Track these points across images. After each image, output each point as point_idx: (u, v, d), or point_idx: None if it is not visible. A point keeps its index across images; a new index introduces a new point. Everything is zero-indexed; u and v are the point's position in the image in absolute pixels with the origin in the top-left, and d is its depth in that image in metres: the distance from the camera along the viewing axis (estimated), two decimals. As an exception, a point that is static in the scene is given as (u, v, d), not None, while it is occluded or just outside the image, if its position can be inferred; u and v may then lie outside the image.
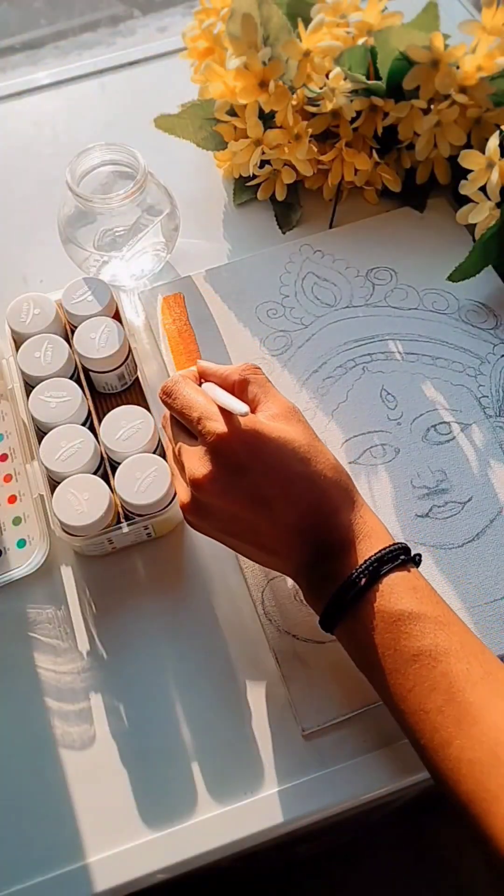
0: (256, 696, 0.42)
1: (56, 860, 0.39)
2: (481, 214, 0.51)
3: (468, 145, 0.55)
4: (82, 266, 0.53)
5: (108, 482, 0.44)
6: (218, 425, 0.37)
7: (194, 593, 0.45)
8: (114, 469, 0.44)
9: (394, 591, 0.36)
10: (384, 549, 0.37)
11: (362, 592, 0.36)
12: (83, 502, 0.41)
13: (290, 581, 0.45)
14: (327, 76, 0.53)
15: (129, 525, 0.43)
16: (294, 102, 0.54)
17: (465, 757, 0.32)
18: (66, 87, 0.68)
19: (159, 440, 0.45)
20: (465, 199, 0.52)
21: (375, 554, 0.36)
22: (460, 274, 0.53)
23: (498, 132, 0.50)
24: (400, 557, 0.37)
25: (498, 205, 0.50)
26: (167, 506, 0.43)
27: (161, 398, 0.41)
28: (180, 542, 0.46)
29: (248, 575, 0.45)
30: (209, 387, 0.40)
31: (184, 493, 0.39)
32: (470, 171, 0.50)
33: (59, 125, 0.65)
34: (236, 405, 0.37)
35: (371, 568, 0.36)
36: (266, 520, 0.37)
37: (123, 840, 0.39)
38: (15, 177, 0.63)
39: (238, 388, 0.41)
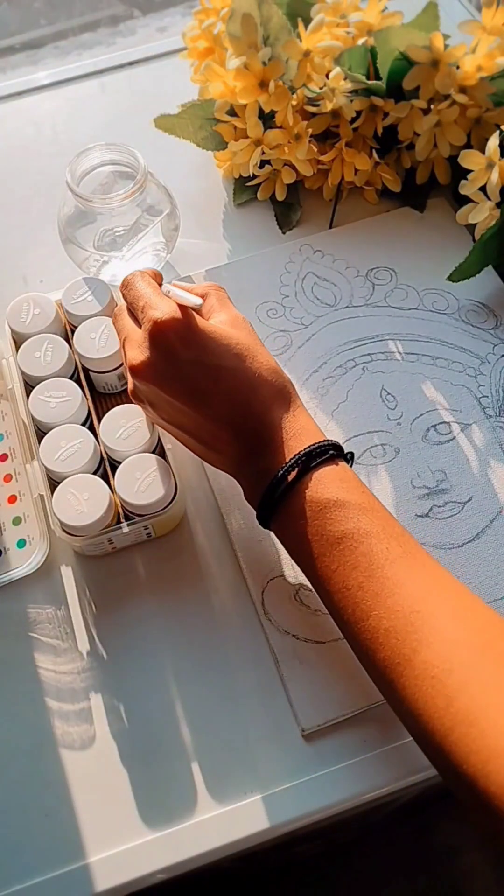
0: (256, 696, 0.42)
1: (56, 860, 0.39)
2: (481, 214, 0.51)
3: (468, 145, 0.55)
4: (82, 266, 0.53)
5: (108, 482, 0.44)
6: (157, 312, 0.38)
7: (194, 593, 0.45)
8: (114, 469, 0.44)
9: (320, 482, 0.37)
10: (313, 444, 0.38)
11: (291, 486, 0.38)
12: (83, 502, 0.41)
13: (290, 581, 0.45)
14: (327, 76, 0.53)
15: (129, 525, 0.43)
16: (294, 102, 0.54)
17: (381, 626, 0.34)
18: (66, 87, 0.68)
19: (159, 440, 0.45)
20: (465, 199, 0.52)
21: (305, 449, 0.38)
22: (460, 274, 0.53)
23: (498, 132, 0.50)
24: (329, 452, 0.38)
25: (498, 205, 0.50)
26: (167, 506, 0.43)
27: (120, 289, 0.42)
28: (180, 542, 0.46)
29: (248, 575, 0.45)
30: (171, 286, 0.41)
31: (129, 382, 0.41)
32: (470, 171, 0.50)
33: (59, 125, 0.65)
34: (190, 297, 0.38)
35: (300, 462, 0.37)
36: (199, 410, 0.39)
37: (123, 840, 0.39)
38: (15, 177, 0.63)
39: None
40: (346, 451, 0.40)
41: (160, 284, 0.42)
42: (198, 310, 0.41)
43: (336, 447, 0.39)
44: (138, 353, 0.39)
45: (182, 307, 0.38)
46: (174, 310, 0.38)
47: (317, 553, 0.37)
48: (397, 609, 0.34)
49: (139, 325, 0.41)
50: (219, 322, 0.41)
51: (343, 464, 0.39)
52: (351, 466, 0.39)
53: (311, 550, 0.37)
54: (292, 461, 0.37)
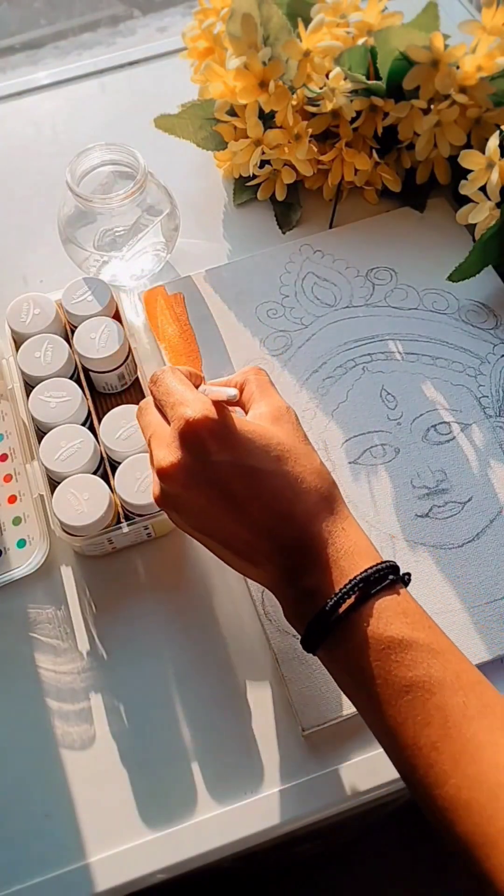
0: (256, 696, 0.42)
1: (56, 860, 0.39)
2: (481, 214, 0.51)
3: (468, 145, 0.55)
4: (82, 266, 0.53)
5: (108, 482, 0.44)
6: (189, 411, 0.34)
7: (194, 593, 0.45)
8: (114, 469, 0.44)
9: (382, 616, 0.33)
10: (371, 567, 0.34)
11: (347, 615, 0.33)
12: (83, 502, 0.41)
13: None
14: (327, 76, 0.53)
15: (129, 525, 0.43)
16: (294, 102, 0.54)
17: (462, 797, 0.30)
18: (66, 87, 0.68)
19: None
20: (465, 199, 0.52)
21: (361, 573, 0.33)
22: (460, 274, 0.53)
23: (498, 132, 0.50)
24: (388, 577, 0.34)
25: (498, 205, 0.50)
26: (167, 506, 0.43)
27: (149, 385, 0.39)
28: (180, 542, 0.46)
29: (248, 575, 0.45)
30: (206, 386, 0.39)
31: (155, 485, 0.37)
32: (470, 171, 0.50)
33: (59, 125, 0.65)
34: (225, 391, 0.35)
35: (357, 588, 0.33)
36: (236, 519, 0.35)
37: (123, 840, 0.39)
38: (15, 177, 0.63)
39: (238, 388, 0.40)
40: (402, 571, 0.35)
41: (197, 385, 0.39)
42: (235, 402, 0.38)
43: (394, 569, 0.34)
44: (167, 453, 0.35)
45: (217, 404, 0.35)
46: (208, 407, 0.34)
47: (378, 699, 0.32)
48: (480, 779, 0.30)
49: (168, 422, 0.37)
50: (258, 415, 0.37)
51: (405, 592, 0.34)
52: (407, 587, 0.35)
53: (372, 695, 0.32)
54: (348, 586, 0.33)
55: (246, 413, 0.39)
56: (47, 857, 0.39)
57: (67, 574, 0.46)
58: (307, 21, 0.54)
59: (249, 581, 0.45)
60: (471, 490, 0.47)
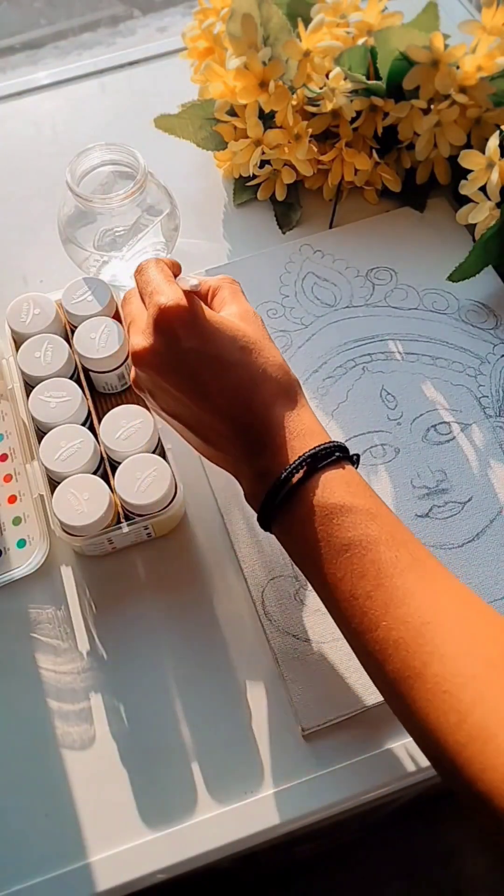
0: (256, 696, 0.42)
1: (56, 860, 0.39)
2: (481, 214, 0.51)
3: (468, 145, 0.55)
4: (82, 266, 0.53)
5: (108, 482, 0.44)
6: (163, 298, 0.37)
7: (194, 593, 0.45)
8: (114, 469, 0.44)
9: (326, 486, 0.36)
10: (319, 446, 0.36)
11: (296, 489, 0.36)
12: (83, 502, 0.41)
13: (290, 581, 0.45)
14: (327, 76, 0.53)
15: (129, 525, 0.43)
16: (294, 102, 0.54)
17: (391, 637, 0.33)
18: (66, 87, 0.68)
19: (159, 440, 0.45)
20: (465, 199, 0.52)
21: (310, 450, 0.36)
22: (460, 274, 0.53)
23: (498, 132, 0.50)
24: (335, 454, 0.37)
25: (498, 205, 0.50)
26: (167, 506, 0.43)
27: (134, 274, 0.41)
28: (180, 542, 0.46)
29: (248, 575, 0.45)
30: (183, 276, 0.40)
31: (132, 370, 0.40)
32: (470, 171, 0.50)
33: (59, 125, 0.65)
34: (189, 279, 0.38)
35: (305, 464, 0.36)
36: (200, 404, 0.37)
37: (123, 840, 0.39)
38: (15, 177, 0.63)
39: (211, 294, 0.41)
40: (351, 452, 0.38)
41: (177, 275, 0.41)
42: (206, 300, 0.40)
43: (342, 448, 0.37)
44: (141, 338, 0.38)
45: (189, 295, 0.37)
46: (181, 297, 0.37)
47: (323, 560, 0.35)
48: (407, 620, 0.33)
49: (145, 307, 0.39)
50: (228, 314, 0.39)
51: (349, 467, 0.37)
52: (356, 468, 0.38)
53: (316, 557, 0.36)
54: (297, 462, 0.36)
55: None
56: (47, 857, 0.39)
57: (67, 574, 0.46)
58: (307, 21, 0.54)
59: (249, 581, 0.45)
60: (471, 490, 0.47)
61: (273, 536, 0.41)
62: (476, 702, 0.30)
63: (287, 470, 0.36)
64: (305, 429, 0.37)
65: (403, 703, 0.32)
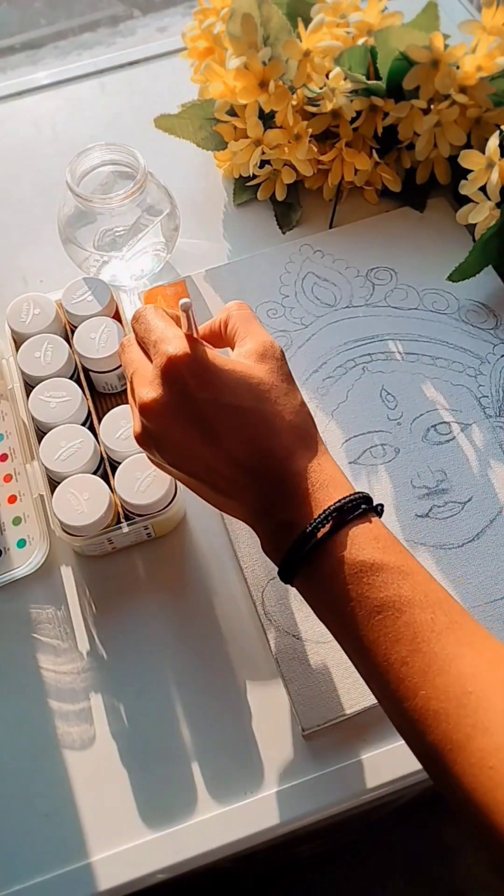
0: (256, 696, 0.42)
1: (56, 860, 0.39)
2: (481, 214, 0.51)
3: (468, 145, 0.55)
4: (82, 266, 0.53)
5: (108, 482, 0.44)
6: (171, 348, 0.35)
7: (194, 593, 0.45)
8: (114, 469, 0.44)
9: (355, 542, 0.34)
10: (344, 498, 0.35)
11: (322, 543, 0.34)
12: (83, 502, 0.41)
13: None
14: (327, 76, 0.53)
15: (129, 525, 0.43)
16: (294, 102, 0.54)
17: (430, 707, 0.31)
18: (66, 87, 0.68)
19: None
20: (465, 199, 0.52)
21: (335, 503, 0.34)
22: (460, 274, 0.53)
23: (498, 132, 0.50)
24: (361, 507, 0.35)
25: (498, 205, 0.50)
26: (167, 506, 0.43)
27: (131, 322, 0.39)
28: (180, 542, 0.46)
29: (248, 575, 0.45)
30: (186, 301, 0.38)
31: (136, 422, 0.37)
32: (470, 171, 0.50)
33: (59, 125, 0.65)
34: (181, 302, 0.36)
35: (330, 518, 0.34)
36: (217, 456, 0.35)
37: (123, 840, 0.39)
38: (15, 177, 0.63)
39: (223, 326, 0.40)
40: (375, 502, 0.36)
41: (181, 296, 0.39)
42: (222, 333, 0.39)
43: (367, 500, 0.36)
44: (149, 390, 0.36)
45: (195, 341, 0.36)
46: (187, 345, 0.35)
47: (352, 621, 0.33)
48: (448, 689, 0.31)
49: (150, 360, 0.38)
50: (244, 352, 0.38)
51: (377, 520, 0.36)
52: (380, 517, 0.36)
53: (346, 617, 0.34)
54: (323, 516, 0.34)
55: (232, 349, 0.39)
56: (47, 857, 0.39)
57: (67, 574, 0.46)
58: (307, 21, 0.54)
59: (249, 581, 0.45)
60: (471, 490, 0.47)
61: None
62: None
63: (313, 524, 0.34)
64: (328, 479, 0.36)
65: (445, 777, 0.31)
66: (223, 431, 0.35)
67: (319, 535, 0.34)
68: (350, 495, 0.35)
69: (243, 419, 0.35)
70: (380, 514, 0.36)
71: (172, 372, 0.35)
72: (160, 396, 0.35)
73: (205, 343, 0.36)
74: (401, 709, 0.32)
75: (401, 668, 0.32)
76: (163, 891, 0.39)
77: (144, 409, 0.36)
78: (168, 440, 0.36)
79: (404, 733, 0.33)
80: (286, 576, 0.36)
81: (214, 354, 0.36)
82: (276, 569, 0.45)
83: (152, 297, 0.55)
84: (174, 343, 0.35)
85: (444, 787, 0.31)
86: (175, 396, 0.35)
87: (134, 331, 0.39)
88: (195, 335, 0.36)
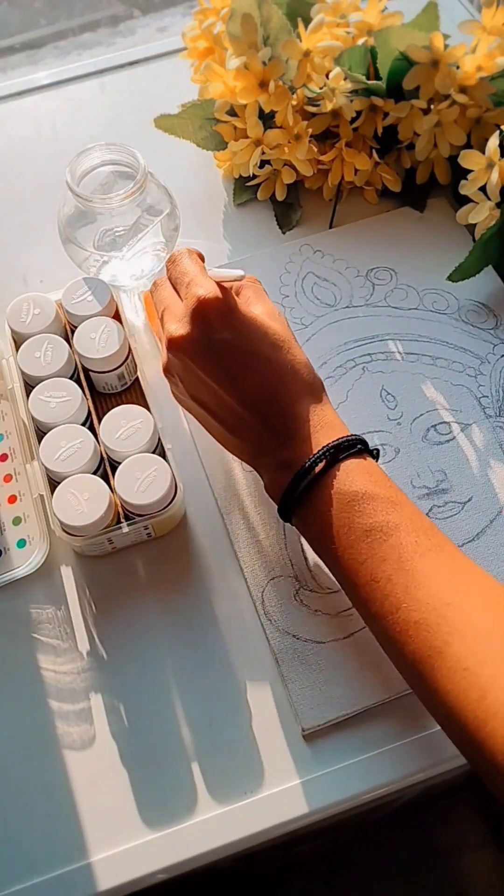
0: (256, 696, 0.42)
1: (56, 860, 0.39)
2: (481, 214, 0.51)
3: (468, 145, 0.55)
4: (82, 266, 0.53)
5: (108, 482, 0.44)
6: (201, 290, 0.39)
7: (194, 593, 0.45)
8: (114, 469, 0.44)
9: (348, 475, 0.37)
10: (341, 438, 0.38)
11: (318, 478, 0.38)
12: (83, 502, 0.41)
13: (290, 581, 0.45)
14: (327, 76, 0.53)
15: (129, 525, 0.43)
16: (294, 102, 0.54)
17: (411, 619, 0.34)
18: (66, 87, 0.68)
19: (159, 440, 0.45)
20: (465, 199, 0.52)
21: (333, 442, 0.38)
22: (460, 274, 0.53)
23: (498, 132, 0.50)
24: (357, 446, 0.38)
25: (498, 205, 0.50)
26: (167, 506, 0.43)
27: (166, 264, 0.43)
28: (180, 542, 0.46)
29: (248, 575, 0.45)
30: (212, 268, 0.42)
31: (164, 355, 0.41)
32: (470, 171, 0.50)
33: (59, 125, 0.65)
34: (232, 272, 0.41)
35: (328, 454, 0.38)
36: (229, 392, 0.39)
37: (123, 840, 0.39)
38: (15, 177, 0.63)
39: (235, 292, 0.43)
40: (371, 446, 0.40)
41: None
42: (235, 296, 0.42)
43: (363, 442, 0.39)
44: (178, 326, 0.39)
45: (224, 290, 0.39)
46: (217, 290, 0.39)
47: (344, 546, 0.37)
48: (428, 601, 0.34)
49: (181, 299, 0.41)
50: (257, 313, 0.41)
51: (370, 458, 0.39)
52: (377, 461, 0.40)
53: (337, 543, 0.37)
54: (320, 453, 0.38)
55: None
56: (48, 857, 0.39)
57: (67, 574, 0.46)
58: (307, 21, 0.54)
59: (249, 581, 0.45)
60: (471, 490, 0.47)
61: (277, 534, 0.41)
62: (496, 679, 0.31)
63: (311, 459, 0.38)
64: (328, 422, 0.39)
65: (425, 683, 0.33)
66: (238, 372, 0.39)
67: (316, 470, 0.38)
68: (346, 436, 0.39)
69: (258, 363, 0.39)
70: (375, 456, 0.40)
71: (201, 311, 0.38)
72: (188, 333, 0.39)
73: (230, 292, 0.40)
74: (385, 623, 0.35)
75: (386, 585, 0.35)
76: (163, 891, 0.39)
77: (172, 343, 0.39)
78: (190, 374, 0.40)
79: (388, 647, 0.36)
80: (284, 512, 0.39)
81: (238, 301, 0.40)
82: (276, 569, 0.45)
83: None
84: (205, 286, 0.39)
85: (424, 694, 0.34)
86: (201, 334, 0.39)
87: (168, 271, 0.42)
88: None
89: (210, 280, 0.40)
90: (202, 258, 0.43)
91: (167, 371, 0.42)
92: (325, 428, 0.39)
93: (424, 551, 0.35)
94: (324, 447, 0.38)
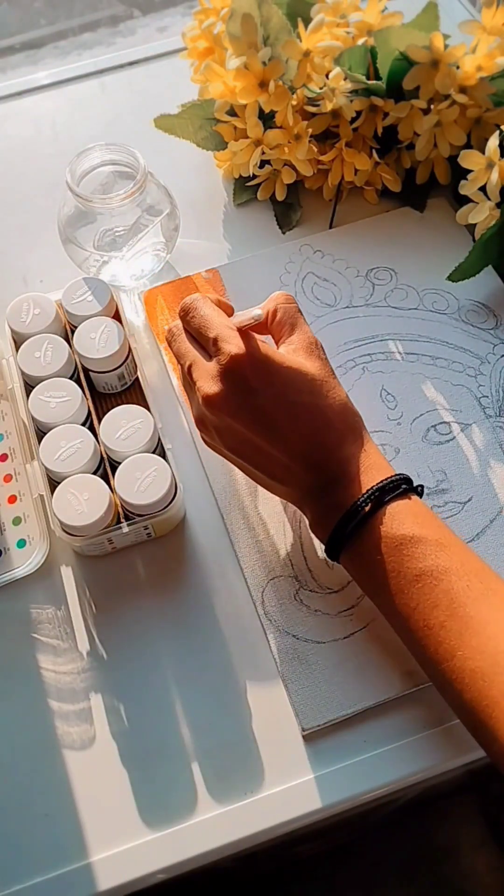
0: (256, 696, 0.42)
1: (56, 860, 0.39)
2: (481, 214, 0.51)
3: (468, 145, 0.55)
4: (82, 266, 0.53)
5: (107, 482, 0.44)
6: (233, 347, 0.38)
7: (194, 593, 0.45)
8: (113, 469, 0.44)
9: (395, 517, 0.37)
10: (386, 479, 0.38)
11: (366, 519, 0.38)
12: (83, 502, 0.41)
13: (290, 581, 0.45)
14: (327, 76, 0.53)
15: (129, 525, 0.43)
16: (294, 102, 0.54)
17: (467, 667, 0.34)
18: (66, 87, 0.68)
19: (159, 440, 0.45)
20: (465, 199, 0.52)
21: (378, 483, 0.38)
22: (460, 274, 0.53)
23: (498, 132, 0.50)
24: (402, 486, 0.39)
25: (498, 205, 0.50)
26: (167, 506, 0.43)
27: (179, 314, 0.42)
28: (180, 542, 0.46)
29: (248, 575, 0.45)
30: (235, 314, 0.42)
31: (195, 409, 0.41)
32: (470, 171, 0.50)
33: (60, 125, 0.65)
34: (250, 312, 0.41)
35: (374, 497, 0.38)
36: (273, 445, 0.39)
37: (123, 840, 0.39)
38: (15, 177, 0.63)
39: (271, 316, 0.42)
40: (415, 483, 0.40)
41: (228, 315, 0.42)
42: (267, 323, 0.42)
43: (407, 481, 0.39)
44: (212, 384, 0.39)
45: (254, 341, 0.39)
46: (249, 343, 0.39)
47: (394, 590, 0.36)
48: (483, 650, 0.34)
49: (202, 350, 0.41)
50: (292, 349, 0.41)
51: (416, 498, 0.39)
52: (421, 497, 0.40)
53: (387, 587, 0.37)
54: (366, 495, 0.38)
55: (277, 341, 0.42)
56: (47, 856, 0.39)
57: (67, 574, 0.46)
58: (307, 21, 0.54)
59: (249, 581, 0.45)
60: (471, 490, 0.47)
61: (274, 537, 0.42)
62: None
63: (357, 503, 0.38)
64: (373, 463, 0.39)
65: (484, 731, 0.33)
66: (280, 423, 0.39)
67: (363, 512, 0.38)
68: (391, 476, 0.39)
69: (300, 414, 0.39)
70: (420, 494, 0.40)
71: (237, 369, 0.38)
72: (222, 391, 0.38)
73: (259, 337, 0.39)
74: (440, 670, 0.35)
75: (439, 632, 0.35)
76: (163, 891, 0.39)
77: (208, 402, 0.39)
78: (229, 430, 0.39)
79: (444, 693, 0.36)
80: (333, 552, 0.39)
81: (270, 351, 0.39)
82: (276, 568, 0.45)
83: (152, 297, 0.55)
84: (233, 342, 0.38)
85: (483, 741, 0.34)
86: (237, 392, 0.38)
87: (184, 322, 0.42)
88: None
89: (235, 333, 0.39)
90: (224, 305, 0.43)
91: (200, 424, 0.41)
92: (369, 469, 0.39)
93: (477, 595, 0.35)
94: (369, 489, 0.38)
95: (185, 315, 0.41)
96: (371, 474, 0.39)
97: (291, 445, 0.39)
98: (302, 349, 0.41)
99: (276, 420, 0.38)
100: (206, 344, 0.40)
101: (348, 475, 0.39)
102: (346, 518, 0.38)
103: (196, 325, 0.41)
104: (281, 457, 0.39)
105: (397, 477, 0.39)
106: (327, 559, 0.43)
